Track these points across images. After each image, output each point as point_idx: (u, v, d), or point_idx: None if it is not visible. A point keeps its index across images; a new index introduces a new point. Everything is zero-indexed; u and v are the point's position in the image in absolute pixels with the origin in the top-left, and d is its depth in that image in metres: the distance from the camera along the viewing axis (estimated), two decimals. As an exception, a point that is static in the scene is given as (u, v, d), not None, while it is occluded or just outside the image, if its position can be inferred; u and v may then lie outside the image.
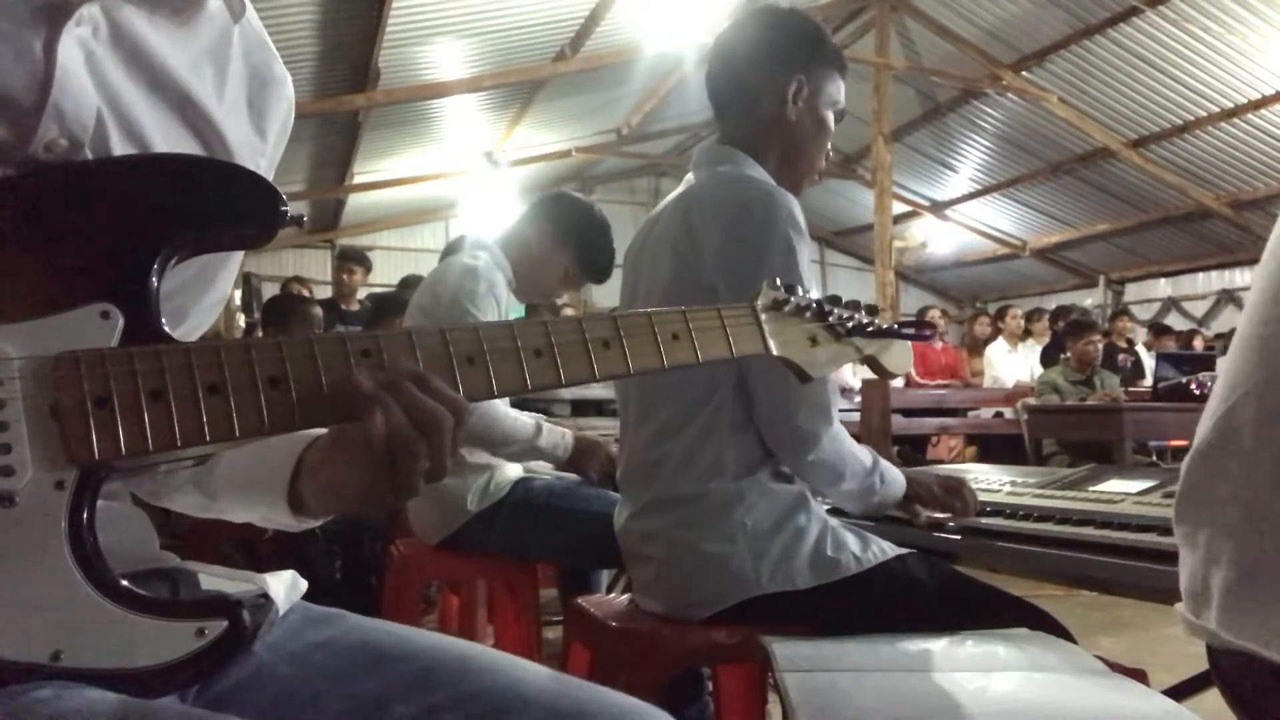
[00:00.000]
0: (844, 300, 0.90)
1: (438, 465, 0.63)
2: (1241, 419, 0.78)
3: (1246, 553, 0.76)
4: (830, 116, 1.59)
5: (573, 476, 2.60)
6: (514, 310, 2.53)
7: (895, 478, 1.52)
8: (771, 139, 1.56)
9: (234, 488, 0.77)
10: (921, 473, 1.60)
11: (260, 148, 0.79)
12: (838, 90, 1.59)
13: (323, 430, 0.72)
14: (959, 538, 1.51)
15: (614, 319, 0.73)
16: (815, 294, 0.88)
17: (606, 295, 11.59)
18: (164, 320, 0.63)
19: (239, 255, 0.81)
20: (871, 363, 0.93)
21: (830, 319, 0.87)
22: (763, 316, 0.82)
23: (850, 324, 0.88)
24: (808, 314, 0.86)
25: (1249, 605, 0.74)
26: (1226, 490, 0.79)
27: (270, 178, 0.81)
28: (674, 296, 1.46)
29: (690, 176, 1.59)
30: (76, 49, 0.63)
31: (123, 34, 0.67)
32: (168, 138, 0.69)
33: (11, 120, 0.61)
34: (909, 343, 0.95)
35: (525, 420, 2.21)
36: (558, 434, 2.26)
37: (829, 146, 1.63)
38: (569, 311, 7.44)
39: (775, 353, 0.82)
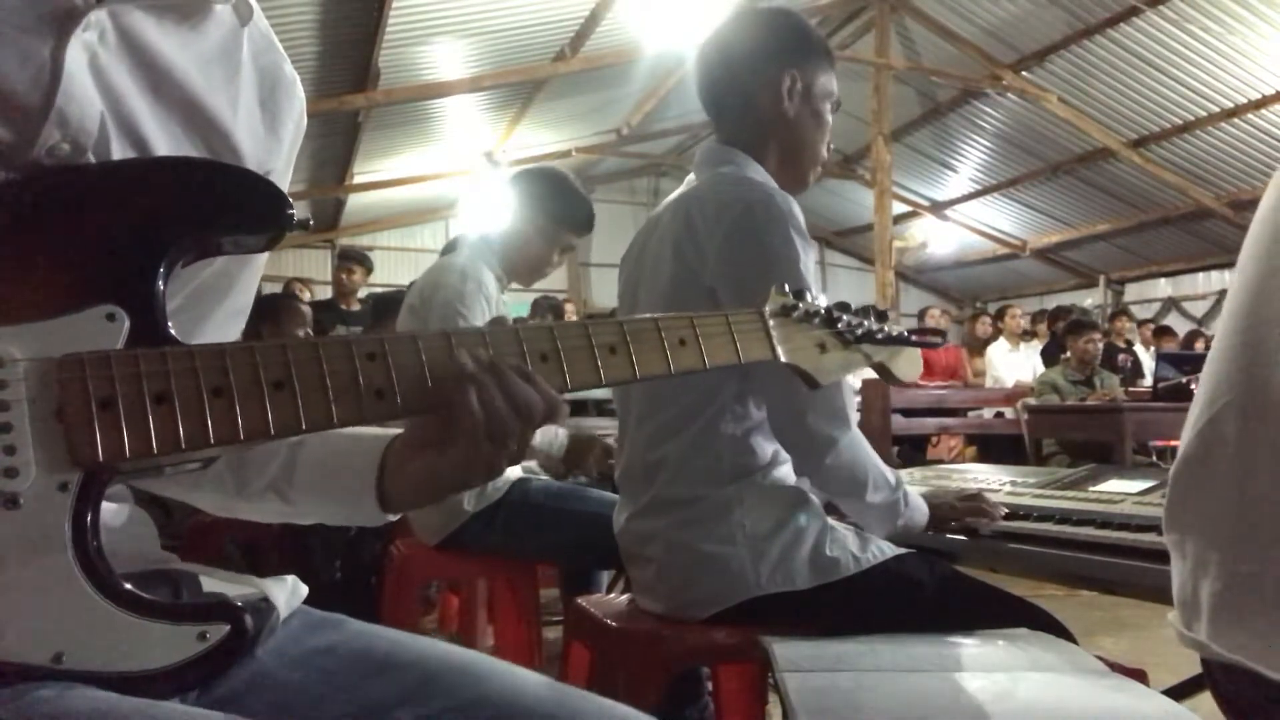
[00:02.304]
0: (853, 307, 0.90)
1: (522, 449, 0.68)
2: (1224, 429, 0.78)
3: (1233, 564, 0.75)
4: (827, 109, 1.58)
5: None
6: (513, 310, 2.54)
7: (918, 503, 1.50)
8: (770, 138, 1.55)
9: (316, 493, 0.78)
10: (937, 493, 1.58)
11: (275, 149, 0.79)
12: (830, 82, 1.58)
13: (397, 430, 0.75)
14: (963, 538, 1.51)
15: (620, 325, 0.73)
16: (824, 300, 0.88)
17: (608, 297, 11.61)
18: (178, 326, 0.63)
19: (259, 262, 0.82)
20: (881, 370, 0.93)
21: (839, 326, 0.87)
22: (771, 323, 0.82)
23: (859, 331, 0.88)
24: (816, 321, 0.85)
25: (1238, 617, 0.74)
26: (1211, 501, 0.79)
27: (288, 178, 0.82)
28: (674, 299, 1.46)
29: (691, 177, 1.58)
30: (82, 53, 0.63)
31: (129, 38, 0.67)
32: (171, 142, 0.69)
33: (15, 124, 0.61)
34: (918, 350, 0.95)
35: None
36: (550, 431, 2.26)
37: (829, 141, 1.62)
38: (570, 311, 7.45)
39: (783, 359, 0.82)
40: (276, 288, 6.84)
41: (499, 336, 0.68)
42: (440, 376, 0.66)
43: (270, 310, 4.11)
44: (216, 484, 0.80)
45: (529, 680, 0.72)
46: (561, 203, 2.37)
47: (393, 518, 0.77)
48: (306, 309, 4.31)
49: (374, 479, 0.74)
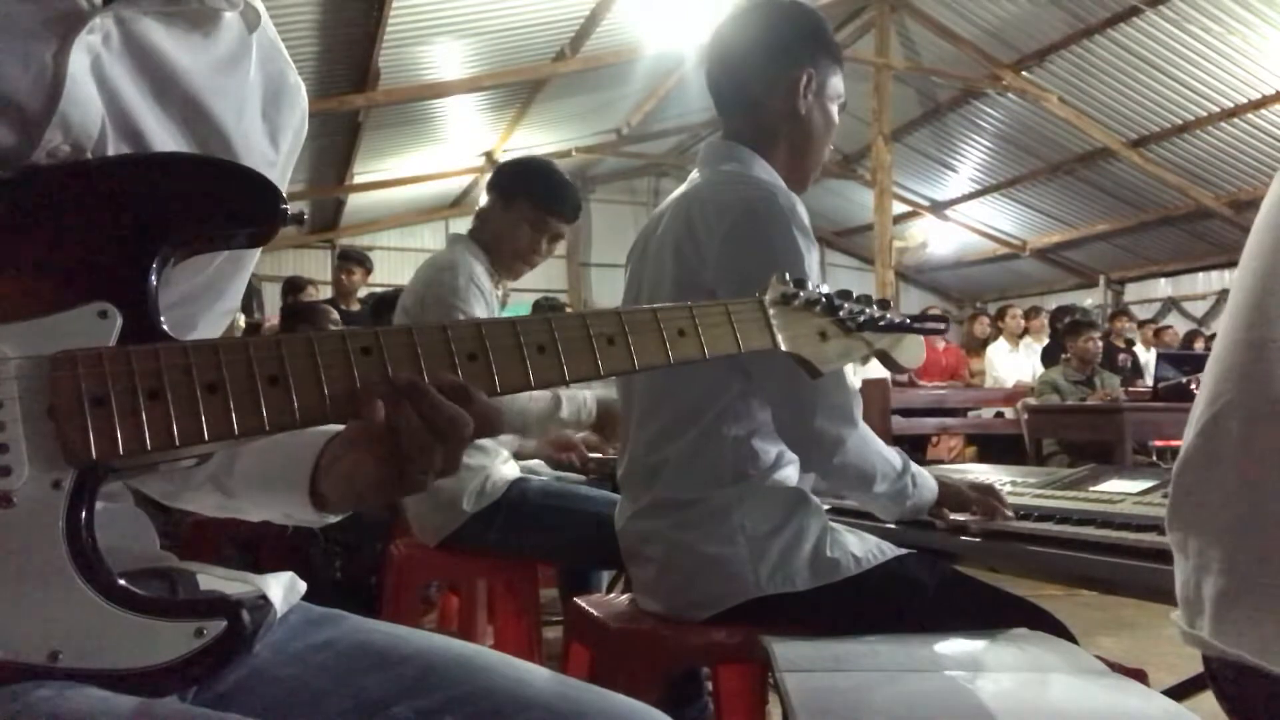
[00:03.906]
0: (854, 295, 0.89)
1: (451, 465, 0.65)
2: (1226, 427, 0.78)
3: (1236, 561, 0.75)
4: (835, 109, 1.58)
5: (572, 476, 2.60)
6: (515, 311, 2.53)
7: (927, 480, 1.48)
8: (780, 134, 1.54)
9: (255, 486, 0.77)
10: (949, 475, 1.56)
11: (272, 158, 0.79)
12: (840, 83, 1.58)
13: (341, 427, 0.72)
14: (963, 538, 1.50)
15: (618, 314, 0.72)
16: (825, 288, 0.87)
17: (608, 296, 11.60)
18: (168, 325, 0.62)
19: (248, 265, 0.81)
20: (883, 357, 0.92)
21: (840, 313, 0.86)
22: (771, 311, 0.81)
23: (861, 318, 0.87)
24: (817, 309, 0.84)
25: (1240, 613, 0.74)
26: (1214, 498, 0.78)
27: (284, 184, 0.81)
28: (676, 297, 1.45)
29: (695, 174, 1.57)
30: (84, 56, 0.63)
31: (134, 43, 0.67)
32: (172, 145, 0.69)
33: (18, 127, 0.61)
34: (921, 336, 0.94)
35: (543, 395, 2.18)
36: (579, 401, 2.25)
37: (831, 147, 1.61)
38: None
39: (784, 348, 0.81)
40: (276, 287, 6.85)
41: (494, 329, 0.68)
42: (345, 394, 0.63)
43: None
44: (166, 472, 0.79)
45: (530, 672, 0.71)
46: (545, 189, 2.34)
47: (332, 518, 0.75)
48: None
49: (309, 472, 0.73)
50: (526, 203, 2.32)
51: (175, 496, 0.81)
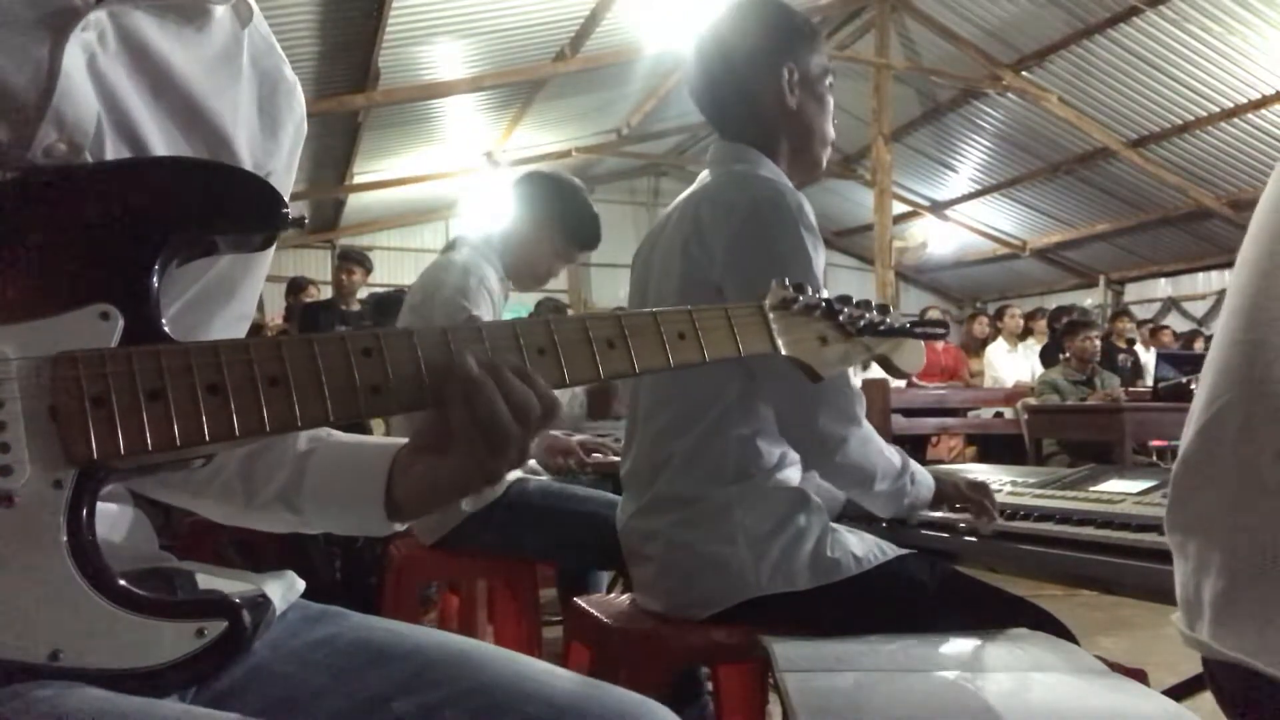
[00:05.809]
0: (854, 300, 0.89)
1: (522, 453, 0.67)
2: (1224, 429, 0.78)
3: (1234, 563, 0.75)
4: (826, 87, 1.58)
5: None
6: (514, 309, 2.54)
7: (925, 478, 1.50)
8: (779, 131, 1.55)
9: (326, 502, 0.77)
10: (946, 471, 1.57)
11: (273, 152, 0.79)
12: (821, 59, 1.58)
13: (404, 440, 0.74)
14: (963, 538, 1.50)
15: (618, 318, 0.72)
16: (825, 293, 0.87)
17: (608, 297, 11.59)
18: (180, 332, 0.63)
19: (260, 268, 0.81)
20: (883, 362, 0.92)
21: (840, 318, 0.86)
22: (771, 316, 0.81)
23: (861, 323, 0.87)
24: (817, 313, 0.85)
25: (1239, 616, 0.74)
26: (1212, 500, 0.78)
27: (289, 182, 0.81)
28: (683, 297, 1.45)
29: (704, 174, 1.58)
30: (80, 53, 0.63)
31: (129, 40, 0.67)
32: (169, 144, 0.69)
33: (12, 124, 0.61)
34: (921, 342, 0.94)
35: None
36: (567, 392, 2.27)
37: (834, 120, 1.61)
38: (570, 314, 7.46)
39: (784, 352, 0.81)
40: (279, 287, 6.85)
41: (495, 331, 0.68)
42: (438, 377, 0.65)
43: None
44: (225, 494, 0.79)
45: (529, 666, 0.71)
46: (575, 219, 2.34)
47: (400, 527, 0.76)
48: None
49: (383, 485, 0.74)
50: (557, 230, 2.33)
51: (242, 517, 0.81)
